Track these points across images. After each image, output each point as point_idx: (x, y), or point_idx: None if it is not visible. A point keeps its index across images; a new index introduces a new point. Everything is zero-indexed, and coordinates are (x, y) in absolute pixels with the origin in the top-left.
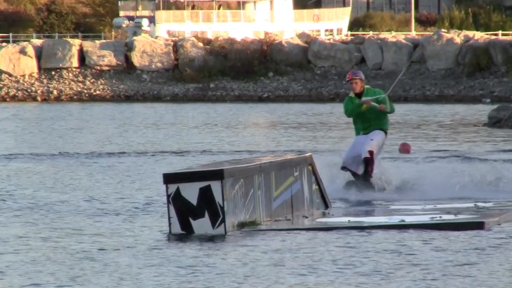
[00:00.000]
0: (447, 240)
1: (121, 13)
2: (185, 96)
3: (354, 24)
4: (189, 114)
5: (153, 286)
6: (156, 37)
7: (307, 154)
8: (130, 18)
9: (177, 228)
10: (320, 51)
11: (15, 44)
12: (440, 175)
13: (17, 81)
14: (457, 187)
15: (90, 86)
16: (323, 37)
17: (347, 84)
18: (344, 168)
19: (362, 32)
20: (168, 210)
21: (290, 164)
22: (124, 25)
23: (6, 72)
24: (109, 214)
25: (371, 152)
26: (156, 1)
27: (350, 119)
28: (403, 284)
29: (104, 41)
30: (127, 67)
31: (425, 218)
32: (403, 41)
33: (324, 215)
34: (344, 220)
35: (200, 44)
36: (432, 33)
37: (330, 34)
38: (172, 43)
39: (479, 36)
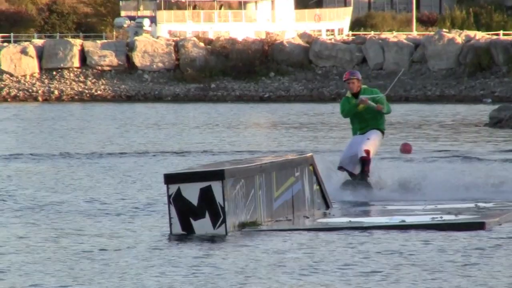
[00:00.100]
0: (448, 241)
1: (123, 13)
2: (186, 96)
3: (356, 24)
4: (190, 114)
5: (153, 286)
6: (158, 37)
7: (308, 154)
8: (132, 18)
9: (178, 229)
10: (322, 51)
11: (16, 44)
12: (444, 175)
13: (18, 81)
14: (461, 188)
15: (91, 86)
16: (324, 37)
17: (344, 84)
18: (341, 168)
19: (363, 32)
20: (169, 210)
21: (291, 164)
22: (125, 25)
23: (7, 72)
24: (110, 215)
25: (367, 151)
26: (158, 1)
27: (350, 120)
28: (404, 284)
29: (106, 41)
30: (128, 67)
31: (425, 219)
32: (405, 41)
33: (325, 215)
34: (345, 220)
35: (201, 44)
36: (433, 33)
37: (332, 34)
38: (173, 43)
39: (480, 36)
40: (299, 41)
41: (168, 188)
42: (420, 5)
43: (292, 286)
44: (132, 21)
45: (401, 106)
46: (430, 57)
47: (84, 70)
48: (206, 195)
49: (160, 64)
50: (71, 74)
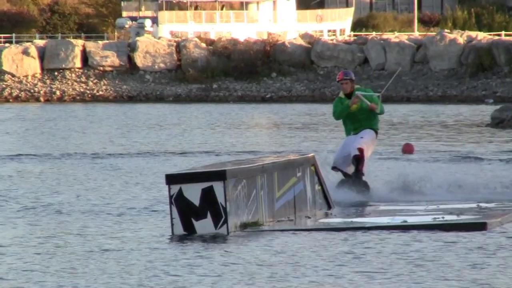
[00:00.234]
0: (450, 241)
1: (124, 14)
2: (188, 97)
3: (357, 25)
4: (192, 114)
5: (155, 287)
6: (159, 38)
7: (309, 155)
8: (133, 19)
9: (179, 229)
10: (323, 52)
11: (18, 45)
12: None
13: (20, 82)
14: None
15: (93, 87)
16: (326, 37)
17: (337, 84)
18: (334, 168)
19: (365, 32)
20: (171, 210)
21: (292, 164)
22: (127, 26)
23: (9, 73)
24: (112, 215)
25: (360, 150)
26: (159, 2)
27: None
28: (406, 285)
29: (107, 41)
30: (130, 68)
31: (427, 219)
32: (406, 41)
33: (327, 215)
34: (347, 220)
35: (203, 45)
36: (435, 33)
37: (333, 35)
38: (175, 43)
39: (482, 36)
40: (301, 42)
41: (169, 189)
42: (422, 6)
43: (295, 286)
44: (133, 22)
45: (403, 107)
46: (432, 57)
47: (85, 71)
48: (208, 195)
49: (161, 65)
50: (73, 75)
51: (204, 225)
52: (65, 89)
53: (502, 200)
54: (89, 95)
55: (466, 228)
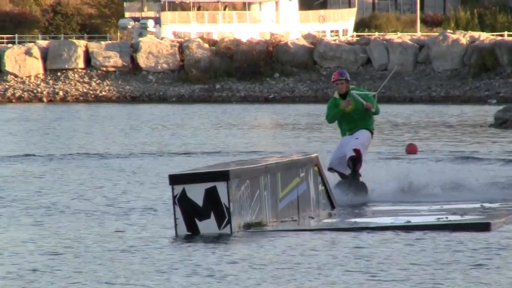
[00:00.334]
0: (453, 241)
1: (127, 14)
2: (191, 97)
3: (360, 25)
4: (195, 115)
5: (158, 287)
6: (162, 38)
7: (313, 155)
8: (136, 19)
9: (183, 229)
10: (326, 52)
11: (20, 45)
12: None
13: (23, 82)
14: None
15: (96, 87)
16: (328, 38)
17: (332, 84)
18: (331, 169)
19: (367, 33)
20: (174, 211)
21: (296, 165)
22: (129, 26)
23: (12, 73)
24: (115, 215)
25: (356, 150)
26: (162, 2)
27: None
28: (409, 284)
29: (110, 42)
30: (133, 68)
31: (431, 219)
32: (409, 42)
33: (330, 216)
34: (351, 221)
35: (206, 45)
36: (437, 34)
37: (336, 35)
38: (177, 44)
39: (485, 37)
40: (303, 42)
41: (173, 189)
42: (424, 6)
43: (298, 287)
44: (136, 22)
45: (405, 107)
46: (435, 58)
47: (88, 71)
48: (211, 195)
49: (164, 65)
50: (76, 75)
51: (208, 226)
52: (68, 90)
53: (507, 200)
54: (92, 96)
55: (470, 228)
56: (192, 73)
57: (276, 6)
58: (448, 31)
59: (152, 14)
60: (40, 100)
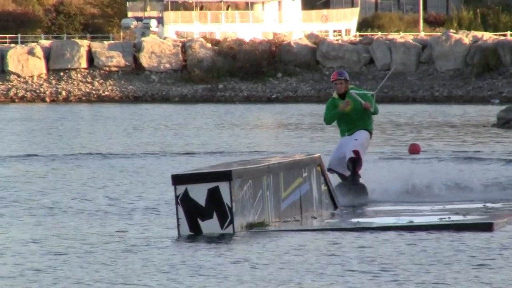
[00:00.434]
0: (456, 241)
1: (130, 14)
2: (194, 97)
3: (363, 25)
4: (197, 115)
5: (160, 287)
6: (165, 38)
7: (316, 155)
8: (139, 19)
9: (185, 229)
10: (329, 52)
11: (23, 45)
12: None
13: (26, 82)
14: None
15: (99, 87)
16: (331, 37)
17: (331, 84)
18: (330, 170)
19: (370, 32)
20: (177, 211)
21: (299, 165)
22: (132, 26)
23: (14, 73)
24: (118, 215)
25: (356, 152)
26: (165, 2)
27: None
28: (412, 284)
29: (113, 42)
30: (135, 68)
31: (434, 219)
32: (412, 41)
33: (333, 216)
34: (353, 221)
35: (209, 45)
36: (440, 33)
37: (339, 35)
38: (180, 44)
39: (488, 36)
40: (306, 42)
41: (175, 189)
42: (427, 6)
43: (300, 287)
44: (139, 22)
45: (408, 107)
46: (438, 57)
47: (91, 71)
48: (214, 195)
49: (167, 65)
50: (79, 75)
51: (210, 226)
52: (71, 90)
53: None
54: (95, 96)
55: (473, 229)
56: (195, 73)
57: (279, 6)
58: (451, 31)
59: (155, 13)
60: (43, 100)
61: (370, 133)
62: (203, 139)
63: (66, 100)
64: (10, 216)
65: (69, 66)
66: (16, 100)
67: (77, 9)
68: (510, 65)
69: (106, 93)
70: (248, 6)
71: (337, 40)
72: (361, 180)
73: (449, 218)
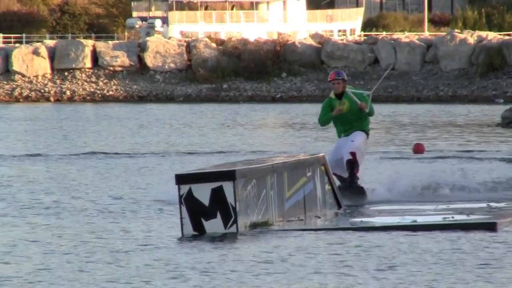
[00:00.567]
0: (459, 241)
1: (134, 14)
2: (198, 97)
3: (367, 25)
4: (202, 114)
5: (163, 287)
6: (169, 38)
7: (320, 155)
8: (143, 19)
9: (189, 229)
10: (334, 52)
11: (28, 45)
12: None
13: (30, 82)
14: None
15: (103, 87)
16: (336, 37)
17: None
18: None
19: (375, 32)
20: (180, 210)
21: (303, 164)
22: (137, 26)
23: (19, 73)
24: (122, 215)
25: (353, 154)
26: (169, 2)
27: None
28: (415, 284)
29: (117, 41)
30: (140, 68)
31: (437, 219)
32: (416, 41)
33: (336, 215)
34: (357, 220)
35: (213, 45)
36: (445, 33)
37: (343, 35)
38: (185, 43)
39: (492, 36)
40: (311, 42)
41: (179, 189)
42: (432, 6)
43: (303, 286)
44: (143, 22)
45: (413, 107)
46: (442, 57)
47: (96, 71)
48: (218, 195)
49: (172, 65)
50: (83, 75)
51: (214, 225)
52: (75, 89)
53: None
54: (99, 95)
55: (476, 228)
56: (200, 72)
57: (283, 6)
58: (456, 30)
59: (159, 13)
60: (47, 99)
61: (367, 134)
62: (207, 139)
63: (71, 100)
64: (14, 215)
65: (73, 66)
66: (21, 100)
67: (82, 9)
68: None
69: (111, 92)
70: (253, 6)
71: (342, 40)
72: (359, 182)
73: (453, 217)
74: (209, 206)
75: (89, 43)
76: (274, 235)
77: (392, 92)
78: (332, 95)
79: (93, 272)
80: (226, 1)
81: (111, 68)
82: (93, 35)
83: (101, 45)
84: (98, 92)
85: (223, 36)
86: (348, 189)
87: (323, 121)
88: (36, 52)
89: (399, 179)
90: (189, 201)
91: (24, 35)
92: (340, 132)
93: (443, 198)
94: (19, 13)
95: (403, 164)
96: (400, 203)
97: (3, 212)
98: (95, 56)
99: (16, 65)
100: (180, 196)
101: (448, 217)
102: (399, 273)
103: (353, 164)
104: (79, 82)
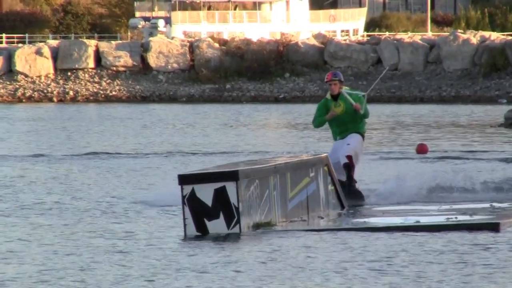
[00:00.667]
0: (462, 241)
1: (137, 14)
2: (201, 97)
3: (370, 25)
4: (205, 114)
5: (165, 286)
6: (172, 38)
7: (323, 155)
8: (146, 19)
9: (192, 229)
10: (336, 52)
11: (31, 45)
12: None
13: (33, 82)
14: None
15: (106, 87)
16: (339, 37)
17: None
18: None
19: (378, 32)
20: (183, 211)
21: (305, 164)
22: (140, 26)
23: (22, 73)
24: (125, 215)
25: (349, 157)
26: (172, 2)
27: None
28: (417, 284)
29: (120, 42)
30: (143, 68)
31: (440, 219)
32: (419, 41)
33: (339, 216)
34: (360, 221)
35: (216, 45)
36: (448, 33)
37: (346, 35)
38: (188, 43)
39: (495, 36)
40: (314, 42)
41: (182, 189)
42: (435, 6)
43: (305, 287)
44: (146, 22)
45: (416, 107)
46: (445, 57)
47: (99, 71)
48: (221, 195)
49: (175, 65)
50: (86, 75)
51: (217, 226)
52: (78, 90)
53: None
54: (102, 96)
55: (479, 229)
56: (203, 72)
57: (286, 6)
58: (459, 30)
59: (162, 13)
60: (50, 100)
61: (363, 136)
62: (210, 139)
63: (74, 100)
64: (17, 216)
65: (76, 66)
66: (24, 100)
67: (85, 9)
68: None
69: (114, 93)
70: (255, 6)
71: (345, 40)
72: (357, 185)
73: (456, 218)
74: (212, 206)
75: (92, 43)
76: (277, 235)
77: (395, 92)
78: (328, 96)
79: (96, 272)
80: (229, 1)
81: (114, 68)
82: (96, 35)
83: (104, 45)
84: (101, 92)
85: (226, 36)
86: (346, 192)
87: (317, 124)
88: (39, 52)
89: (404, 181)
90: (192, 201)
91: (27, 35)
92: (335, 134)
93: (446, 198)
94: (22, 13)
95: (406, 164)
96: (403, 203)
97: (6, 212)
98: (98, 56)
99: (19, 65)
100: (183, 197)
101: (451, 218)
102: (403, 274)
103: (349, 168)
104: (82, 82)
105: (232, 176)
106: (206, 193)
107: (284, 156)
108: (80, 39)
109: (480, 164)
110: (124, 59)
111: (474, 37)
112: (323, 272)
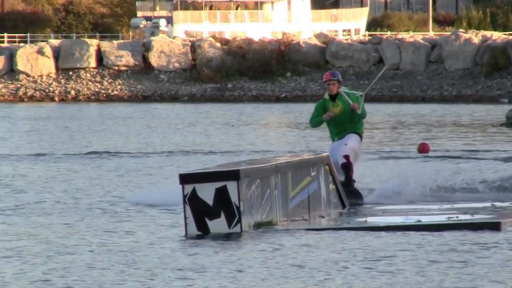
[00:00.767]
0: (464, 240)
1: (139, 14)
2: (203, 96)
3: (372, 24)
4: (206, 114)
5: (167, 287)
6: (174, 37)
7: (324, 154)
8: (148, 19)
9: (193, 229)
10: (338, 51)
11: (33, 44)
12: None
13: (35, 81)
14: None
15: (108, 87)
16: (340, 37)
17: (324, 85)
18: None
19: (379, 32)
20: (184, 210)
21: (307, 164)
22: (141, 25)
23: (24, 72)
24: (125, 214)
25: (346, 157)
26: (174, 2)
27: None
28: (418, 284)
29: (122, 41)
30: (144, 67)
31: (441, 218)
32: (421, 41)
33: (341, 215)
34: (361, 220)
35: (218, 44)
36: (450, 33)
37: (348, 34)
38: (189, 43)
39: (497, 36)
40: (315, 41)
41: (183, 188)
42: (437, 5)
43: (307, 286)
44: (148, 22)
45: (417, 106)
46: (447, 57)
47: (100, 70)
48: (222, 195)
49: (176, 64)
50: (88, 74)
51: (218, 225)
52: (80, 89)
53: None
54: (104, 95)
55: (480, 228)
56: (204, 72)
57: (288, 5)
58: (460, 30)
59: (164, 13)
60: (52, 99)
61: (360, 136)
62: (212, 139)
63: (75, 99)
64: (17, 215)
65: (78, 65)
66: (25, 100)
67: (87, 8)
68: None
69: (115, 92)
70: (257, 6)
71: (347, 39)
72: (355, 185)
73: (457, 217)
74: (213, 205)
75: (93, 43)
76: (278, 234)
77: (397, 91)
78: (326, 96)
79: (97, 271)
80: (230, 1)
81: (116, 68)
82: (97, 34)
83: (105, 45)
84: (103, 91)
85: (227, 36)
86: (345, 192)
87: (314, 124)
88: (40, 52)
89: (406, 181)
90: (193, 200)
91: (28, 34)
92: (333, 134)
93: (447, 198)
94: (23, 12)
95: (408, 164)
96: (405, 203)
97: (7, 212)
98: (100, 56)
99: (21, 65)
100: (184, 196)
101: (452, 217)
102: (404, 273)
103: (348, 168)
104: (83, 81)
105: (233, 175)
106: (207, 192)
107: (286, 155)
108: (82, 39)
109: (481, 164)
110: (126, 59)
111: (475, 36)
112: (324, 271)
